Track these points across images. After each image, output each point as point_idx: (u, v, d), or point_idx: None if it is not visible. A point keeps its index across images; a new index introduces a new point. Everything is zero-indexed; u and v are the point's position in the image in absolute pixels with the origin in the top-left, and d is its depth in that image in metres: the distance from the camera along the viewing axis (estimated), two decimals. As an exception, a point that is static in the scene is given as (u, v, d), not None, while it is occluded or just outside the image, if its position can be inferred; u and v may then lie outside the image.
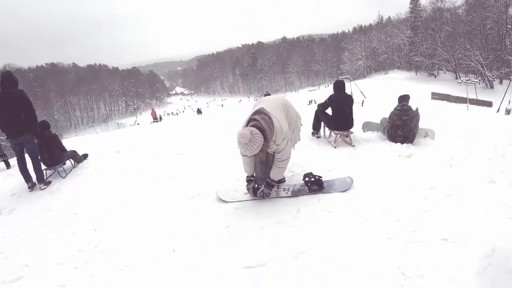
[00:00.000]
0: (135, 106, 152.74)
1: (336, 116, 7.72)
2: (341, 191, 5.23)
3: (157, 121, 31.65)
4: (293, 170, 6.22)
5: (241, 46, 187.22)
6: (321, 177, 5.41)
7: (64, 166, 8.19)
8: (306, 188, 5.35)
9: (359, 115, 8.24)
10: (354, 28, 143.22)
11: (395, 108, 7.43)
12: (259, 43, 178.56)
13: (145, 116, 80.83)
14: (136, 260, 4.21)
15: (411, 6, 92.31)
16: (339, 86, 7.90)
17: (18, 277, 4.20)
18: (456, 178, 5.23)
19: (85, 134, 34.01)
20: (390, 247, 3.72)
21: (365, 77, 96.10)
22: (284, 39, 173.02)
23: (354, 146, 7.42)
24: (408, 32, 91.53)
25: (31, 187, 7.27)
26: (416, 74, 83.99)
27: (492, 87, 62.15)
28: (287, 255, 3.84)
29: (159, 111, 66.90)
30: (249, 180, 5.42)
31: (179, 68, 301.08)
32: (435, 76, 78.72)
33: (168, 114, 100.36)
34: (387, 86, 49.06)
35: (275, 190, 5.40)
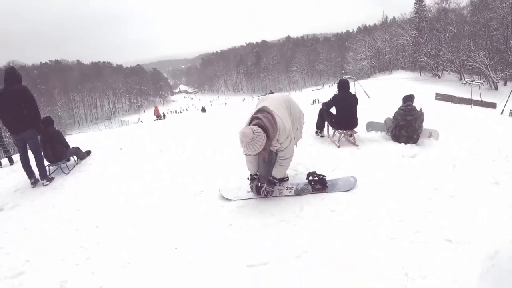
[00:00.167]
0: (139, 104, 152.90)
1: (340, 115, 7.70)
2: (344, 191, 5.22)
3: (160, 119, 31.64)
4: (297, 169, 6.21)
5: (245, 44, 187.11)
6: (324, 176, 5.40)
7: (67, 163, 8.20)
8: (310, 187, 5.34)
9: (363, 114, 8.20)
10: (359, 28, 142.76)
11: (399, 108, 7.41)
12: (263, 42, 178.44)
13: (149, 114, 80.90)
14: (138, 258, 4.21)
15: (415, 6, 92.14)
16: (343, 86, 7.89)
17: (19, 273, 4.20)
18: (460, 179, 5.22)
19: (88, 131, 33.99)
20: (393, 247, 3.71)
21: (369, 77, 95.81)
22: (288, 38, 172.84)
23: (357, 145, 7.40)
24: (412, 32, 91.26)
25: (34, 183, 7.27)
26: (420, 74, 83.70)
27: (496, 88, 62.01)
28: (289, 254, 3.83)
29: (162, 109, 67.03)
30: (252, 179, 5.40)
31: (183, 66, 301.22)
32: (439, 77, 78.49)
33: (171, 112, 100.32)
34: (391, 86, 48.94)
35: (278, 189, 5.39)
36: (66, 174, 7.83)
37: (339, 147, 7.47)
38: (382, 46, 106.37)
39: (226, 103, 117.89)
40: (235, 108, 36.28)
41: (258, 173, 5.40)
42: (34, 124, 7.12)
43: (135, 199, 6.05)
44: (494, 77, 62.80)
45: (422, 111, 7.28)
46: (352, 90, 8.57)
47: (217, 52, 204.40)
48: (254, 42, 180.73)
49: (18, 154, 7.91)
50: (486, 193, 4.74)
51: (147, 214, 5.39)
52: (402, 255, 3.56)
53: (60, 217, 5.71)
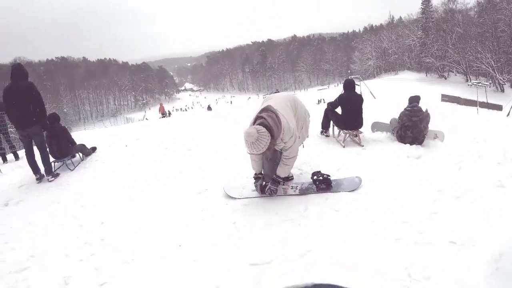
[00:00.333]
0: (144, 101, 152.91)
1: (346, 115, 7.70)
2: (349, 191, 5.22)
3: (165, 117, 31.66)
4: (302, 168, 6.21)
5: (251, 43, 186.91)
6: (329, 176, 5.40)
7: (72, 159, 8.23)
8: (314, 186, 5.34)
9: (368, 115, 8.19)
10: (365, 28, 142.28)
11: (405, 109, 7.40)
12: (269, 40, 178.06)
13: (154, 111, 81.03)
14: (142, 254, 4.23)
15: (422, 7, 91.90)
16: (349, 86, 7.89)
17: (23, 268, 4.22)
18: (465, 181, 5.20)
19: (94, 128, 34.07)
20: (397, 248, 3.71)
21: (375, 77, 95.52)
22: (294, 37, 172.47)
23: (363, 146, 7.40)
24: (419, 33, 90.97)
25: (39, 179, 7.31)
26: (426, 75, 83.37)
27: (502, 90, 61.85)
28: (293, 253, 3.83)
29: (168, 107, 67.05)
30: (257, 178, 5.40)
31: (189, 64, 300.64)
32: (446, 78, 78.26)
33: (177, 109, 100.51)
34: (396, 87, 48.81)
35: (283, 188, 5.40)
36: (72, 170, 7.86)
37: (344, 147, 7.47)
38: (388, 46, 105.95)
39: (231, 102, 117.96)
40: (241, 107, 36.27)
41: (263, 172, 5.40)
42: (40, 120, 7.15)
43: (140, 196, 6.07)
44: (500, 79, 62.64)
45: (428, 112, 7.25)
46: (357, 90, 8.54)
47: (223, 50, 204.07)
48: (260, 41, 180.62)
49: (23, 150, 7.95)
50: (491, 195, 4.72)
51: (152, 211, 5.41)
52: (406, 256, 3.56)
53: (65, 213, 5.74)
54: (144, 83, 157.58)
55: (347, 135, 7.78)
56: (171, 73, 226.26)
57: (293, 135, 4.77)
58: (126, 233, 4.84)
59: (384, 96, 26.90)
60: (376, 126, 8.46)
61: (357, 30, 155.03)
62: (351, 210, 4.66)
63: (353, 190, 5.23)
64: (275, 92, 13.92)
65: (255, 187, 5.41)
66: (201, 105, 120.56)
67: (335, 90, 57.31)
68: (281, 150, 4.92)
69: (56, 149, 7.83)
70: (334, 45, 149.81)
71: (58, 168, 7.97)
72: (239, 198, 5.43)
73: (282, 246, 3.99)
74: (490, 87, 54.63)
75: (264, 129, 4.35)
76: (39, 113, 7.09)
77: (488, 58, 64.28)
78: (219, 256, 3.97)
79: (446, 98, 34.74)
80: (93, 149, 9.10)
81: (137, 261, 4.12)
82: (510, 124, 11.68)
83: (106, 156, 8.66)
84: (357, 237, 4.01)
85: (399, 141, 7.33)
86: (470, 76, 69.96)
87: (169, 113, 41.38)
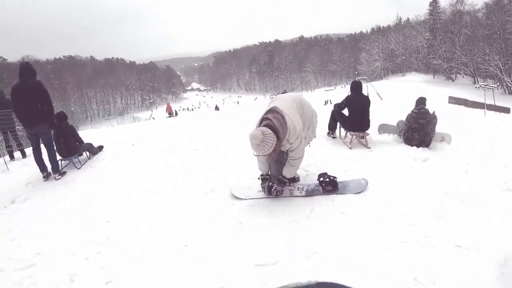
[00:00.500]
0: (151, 101, 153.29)
1: (353, 117, 7.69)
2: (355, 193, 5.21)
3: (171, 116, 31.69)
4: (308, 170, 6.21)
5: (258, 43, 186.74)
6: (336, 177, 5.39)
7: (79, 157, 8.28)
8: (320, 188, 5.34)
9: (375, 116, 8.18)
10: (372, 29, 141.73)
11: (412, 111, 7.37)
12: (276, 41, 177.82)
13: (161, 111, 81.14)
14: (149, 253, 4.25)
15: (430, 8, 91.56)
16: (356, 87, 7.88)
17: (30, 265, 4.25)
18: (472, 184, 5.18)
19: (100, 127, 34.19)
20: (403, 251, 3.70)
21: (382, 78, 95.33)
22: (301, 38, 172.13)
23: (369, 148, 7.38)
24: (426, 34, 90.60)
25: (46, 176, 7.36)
26: (433, 77, 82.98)
27: (510, 93, 61.47)
28: (299, 254, 3.83)
29: (174, 106, 67.09)
30: (263, 179, 5.40)
31: (196, 64, 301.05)
32: (453, 80, 77.83)
33: (183, 109, 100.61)
34: (404, 89, 48.61)
35: (289, 189, 5.40)
36: (78, 168, 7.90)
37: (351, 148, 7.46)
38: (395, 48, 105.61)
39: (238, 102, 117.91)
40: (247, 107, 36.26)
41: (269, 173, 5.40)
42: (47, 118, 7.19)
43: (147, 195, 6.09)
44: (508, 81, 62.25)
45: (435, 114, 7.22)
46: (364, 91, 8.53)
47: (230, 50, 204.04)
48: (267, 41, 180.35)
49: (30, 148, 7.99)
50: (498, 199, 4.71)
51: (158, 211, 5.43)
52: (412, 259, 3.55)
53: (71, 211, 5.77)
54: (151, 83, 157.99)
55: (354, 136, 7.77)
56: (178, 73, 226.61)
57: (299, 136, 4.77)
58: (133, 232, 4.86)
59: (391, 97, 26.79)
60: (383, 128, 8.44)
61: (364, 31, 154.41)
62: (357, 212, 4.65)
63: (359, 192, 5.21)
64: (283, 93, 13.90)
65: (262, 188, 5.41)
66: (207, 105, 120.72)
67: (342, 91, 57.20)
68: (287, 151, 4.91)
69: (64, 147, 7.87)
70: (341, 46, 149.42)
71: (65, 167, 8.02)
72: (245, 199, 5.44)
73: (288, 247, 3.99)
74: (498, 89, 54.22)
75: (269, 131, 4.36)
76: (47, 111, 7.14)
77: (496, 60, 63.88)
78: (225, 256, 3.97)
79: (453, 100, 34.54)
80: (100, 147, 9.14)
81: (143, 260, 4.13)
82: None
83: (113, 155, 8.70)
84: (363, 239, 4.00)
85: (406, 143, 7.32)
86: (478, 78, 69.45)
87: (176, 113, 41.42)
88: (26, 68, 7.12)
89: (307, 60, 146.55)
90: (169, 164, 7.56)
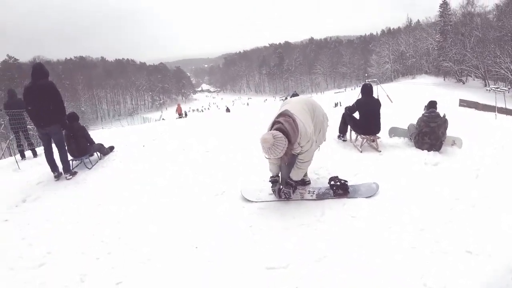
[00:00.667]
0: (161, 101, 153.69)
1: (363, 120, 7.68)
2: (366, 197, 5.20)
3: (181, 117, 31.74)
4: (319, 173, 6.20)
5: (268, 45, 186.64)
6: (346, 181, 5.39)
7: (90, 158, 8.32)
8: (331, 191, 5.33)
9: (386, 120, 8.14)
10: (382, 31, 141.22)
11: (423, 115, 7.34)
12: (286, 43, 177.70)
13: (170, 111, 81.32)
14: (159, 255, 4.27)
15: (440, 10, 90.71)
16: (367, 90, 7.86)
17: (40, 264, 4.30)
18: (483, 189, 5.15)
19: (111, 127, 34.32)
20: (413, 256, 3.70)
21: (392, 81, 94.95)
22: (311, 39, 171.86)
23: (380, 151, 7.36)
24: (437, 36, 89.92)
25: (57, 176, 7.41)
26: (444, 79, 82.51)
27: (522, 96, 60.94)
28: (309, 258, 3.84)
29: (184, 107, 67.22)
30: (273, 181, 5.40)
31: (206, 66, 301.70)
32: (464, 83, 77.29)
33: (193, 110, 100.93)
34: (414, 91, 48.47)
35: (300, 192, 5.40)
36: (89, 169, 7.95)
37: (361, 152, 7.44)
38: (406, 50, 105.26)
39: (248, 103, 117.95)
40: (257, 109, 36.29)
41: (280, 175, 5.40)
42: (59, 119, 7.25)
43: (157, 197, 6.11)
44: (519, 84, 61.67)
45: (446, 117, 7.18)
46: (374, 94, 8.49)
47: (240, 52, 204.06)
48: (277, 43, 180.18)
49: (41, 147, 8.04)
50: (508, 204, 4.67)
51: (168, 212, 5.45)
52: (422, 264, 3.55)
53: (82, 211, 5.82)
54: (161, 84, 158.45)
55: (365, 140, 7.75)
56: (188, 74, 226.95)
57: (310, 140, 4.78)
58: (143, 233, 4.88)
59: (402, 100, 26.67)
60: (394, 132, 8.40)
61: (374, 33, 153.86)
62: (368, 216, 4.65)
63: (370, 196, 5.21)
64: (294, 94, 13.83)
65: (273, 191, 5.40)
66: (217, 106, 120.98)
67: (352, 94, 57.05)
68: (297, 154, 4.91)
69: (75, 147, 7.92)
70: (352, 48, 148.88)
71: (76, 167, 8.06)
72: (256, 202, 5.44)
73: (298, 251, 4.00)
74: (509, 92, 53.68)
75: (280, 134, 4.38)
76: (59, 112, 7.19)
77: (507, 62, 63.31)
78: (236, 259, 3.99)
79: (464, 103, 34.33)
80: (111, 148, 9.19)
81: (153, 261, 4.15)
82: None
83: (124, 156, 8.73)
84: (374, 244, 4.00)
85: (416, 147, 7.29)
86: (489, 81, 69.05)
87: (186, 114, 41.52)
88: (39, 69, 7.18)
89: (317, 62, 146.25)
90: (180, 165, 7.57)
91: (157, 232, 4.83)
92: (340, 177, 5.46)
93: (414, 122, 7.53)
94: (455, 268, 3.42)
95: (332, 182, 5.37)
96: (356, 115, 7.87)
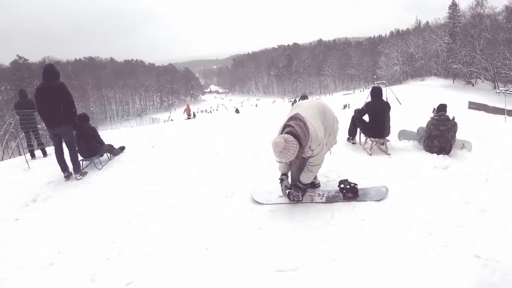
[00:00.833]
0: (170, 102, 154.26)
1: (373, 123, 7.68)
2: (375, 200, 5.19)
3: (190, 118, 31.80)
4: (328, 176, 6.20)
5: (276, 47, 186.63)
6: (356, 184, 5.38)
7: (100, 158, 8.39)
8: (341, 195, 5.33)
9: (395, 122, 8.12)
10: (391, 32, 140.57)
11: (432, 118, 7.32)
12: (295, 44, 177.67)
13: (179, 112, 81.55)
14: (169, 256, 4.29)
15: (450, 12, 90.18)
16: (376, 93, 7.86)
17: (50, 263, 4.34)
18: (492, 194, 5.09)
19: (120, 127, 34.49)
20: (422, 261, 3.68)
21: (401, 83, 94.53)
22: (320, 41, 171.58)
23: (389, 154, 7.35)
24: (446, 38, 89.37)
25: (67, 176, 7.48)
26: (453, 82, 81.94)
27: (532, 98, 60.48)
28: (319, 261, 3.84)
29: (193, 108, 67.29)
30: (281, 179, 5.38)
31: (215, 67, 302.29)
32: (473, 85, 76.73)
33: (201, 111, 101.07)
34: (423, 94, 48.19)
35: (310, 195, 5.40)
36: (99, 169, 8.02)
37: (370, 155, 7.44)
38: (414, 52, 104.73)
39: (256, 105, 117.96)
40: (266, 110, 36.33)
41: (289, 179, 5.40)
42: (70, 119, 7.30)
43: (167, 198, 6.15)
44: (529, 86, 61.21)
45: (455, 121, 7.15)
46: (383, 96, 8.48)
47: (248, 53, 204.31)
48: (286, 45, 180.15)
49: (51, 147, 8.11)
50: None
51: (178, 214, 5.48)
52: (430, 268, 3.53)
53: (92, 211, 5.86)
54: (170, 84, 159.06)
55: (374, 143, 7.74)
56: (197, 75, 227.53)
57: (321, 143, 4.79)
58: (153, 234, 4.91)
59: (411, 102, 26.61)
60: (403, 135, 8.40)
61: (383, 35, 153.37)
62: (377, 220, 4.63)
63: (379, 200, 5.20)
64: (303, 96, 13.80)
65: (282, 192, 5.40)
66: (226, 107, 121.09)
67: (360, 95, 56.90)
68: (308, 157, 4.93)
69: (85, 148, 8.01)
70: (360, 49, 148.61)
71: (86, 167, 8.14)
72: (265, 204, 5.45)
73: (308, 254, 4.00)
74: (518, 94, 53.45)
75: (291, 138, 4.39)
76: (70, 112, 7.25)
77: (516, 64, 62.95)
78: (246, 261, 4.00)
79: (473, 105, 34.15)
80: (122, 148, 9.30)
81: (163, 262, 4.17)
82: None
83: (133, 157, 8.81)
84: (383, 247, 3.99)
85: (426, 150, 7.26)
86: (498, 83, 68.49)
87: (194, 115, 41.55)
88: (50, 70, 7.26)
89: (325, 63, 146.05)
90: (189, 167, 7.61)
91: (167, 234, 4.86)
92: (349, 180, 5.46)
93: (424, 125, 7.51)
94: (464, 273, 3.40)
95: (342, 185, 5.37)
96: (366, 117, 7.86)
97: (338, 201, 5.27)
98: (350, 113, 8.44)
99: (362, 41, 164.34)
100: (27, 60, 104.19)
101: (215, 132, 11.80)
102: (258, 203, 5.50)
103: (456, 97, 41.60)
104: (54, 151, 7.65)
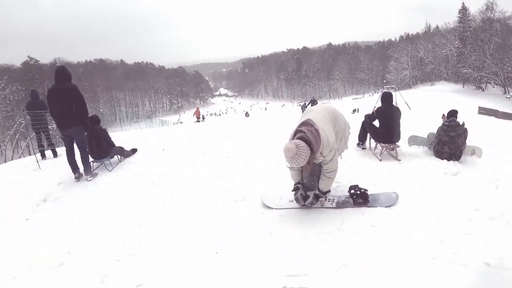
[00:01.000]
0: (179, 105, 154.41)
1: (383, 128, 7.70)
2: (386, 206, 5.19)
3: (199, 121, 31.83)
4: (338, 181, 6.18)
5: (286, 50, 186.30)
6: (366, 190, 5.38)
7: (110, 160, 8.44)
8: (351, 200, 5.34)
9: (405, 128, 8.09)
10: (401, 37, 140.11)
11: (442, 124, 7.30)
12: (305, 48, 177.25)
13: (188, 115, 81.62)
14: (179, 259, 4.31)
15: (459, 16, 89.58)
16: (387, 99, 7.85)
17: (60, 264, 4.38)
18: (502, 201, 5.05)
19: (130, 129, 34.61)
20: (432, 267, 3.67)
21: (410, 87, 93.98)
22: (329, 45, 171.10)
23: (399, 160, 7.34)
24: (456, 42, 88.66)
25: (78, 177, 7.53)
26: (463, 86, 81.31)
27: (542, 103, 59.98)
28: (329, 266, 3.84)
29: (202, 111, 67.40)
30: (296, 188, 5.39)
31: (224, 70, 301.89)
32: (483, 90, 76.08)
33: (211, 114, 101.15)
34: (433, 98, 47.92)
35: (320, 200, 5.39)
36: (110, 171, 8.07)
37: (380, 160, 7.44)
38: (424, 56, 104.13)
39: (266, 108, 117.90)
40: (275, 114, 36.28)
41: (301, 182, 5.38)
42: (82, 121, 7.35)
43: (176, 201, 6.21)
44: (540, 91, 60.68)
45: (465, 126, 7.12)
46: (393, 100, 8.46)
47: (258, 57, 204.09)
48: (295, 48, 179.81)
49: (61, 147, 8.16)
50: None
51: (188, 216, 5.51)
52: (440, 276, 3.53)
53: (102, 213, 5.90)
54: (180, 87, 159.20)
55: (384, 148, 7.74)
56: (207, 78, 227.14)
57: (332, 149, 4.81)
58: (164, 236, 4.94)
59: (421, 107, 26.48)
60: (413, 140, 8.38)
61: (393, 39, 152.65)
62: (387, 226, 4.62)
63: (389, 206, 5.19)
64: (312, 100, 13.83)
65: (295, 199, 5.41)
66: (235, 110, 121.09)
67: (370, 100, 56.71)
68: (320, 163, 4.94)
69: (96, 149, 8.08)
70: (370, 53, 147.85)
71: (96, 168, 8.19)
72: (276, 209, 5.46)
73: (318, 259, 4.01)
74: (529, 100, 53.07)
75: (303, 143, 4.40)
76: (81, 114, 7.30)
77: (527, 69, 62.38)
78: (256, 265, 4.01)
79: (483, 110, 33.89)
80: (133, 150, 9.37)
81: (173, 264, 4.19)
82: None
83: (144, 159, 8.85)
84: (393, 254, 3.98)
85: (436, 156, 7.25)
86: (509, 88, 67.93)
87: (203, 118, 41.60)
88: (62, 72, 7.33)
89: (335, 67, 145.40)
90: (199, 170, 7.65)
91: (177, 236, 4.88)
92: (360, 185, 5.45)
93: (434, 130, 7.49)
94: (474, 281, 3.39)
95: (352, 191, 5.38)
96: (376, 123, 7.85)
97: (348, 207, 5.28)
98: (359, 118, 8.42)
99: (372, 45, 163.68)
100: (38, 61, 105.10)
101: (224, 135, 11.83)
102: (268, 207, 5.52)
103: (466, 103, 41.24)
104: (65, 152, 7.70)
